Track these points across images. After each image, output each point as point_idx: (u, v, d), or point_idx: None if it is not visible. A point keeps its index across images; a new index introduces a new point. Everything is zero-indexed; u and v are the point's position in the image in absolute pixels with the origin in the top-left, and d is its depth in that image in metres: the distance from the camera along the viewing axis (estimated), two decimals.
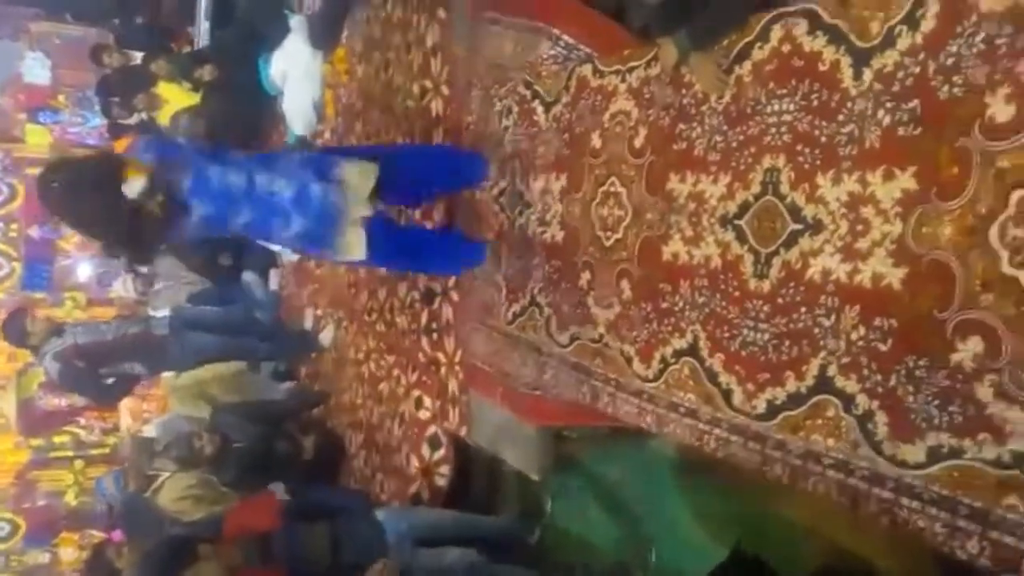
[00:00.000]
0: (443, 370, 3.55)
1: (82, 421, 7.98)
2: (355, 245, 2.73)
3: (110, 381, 4.66)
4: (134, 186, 2.43)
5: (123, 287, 7.08)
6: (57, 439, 7.88)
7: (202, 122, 5.23)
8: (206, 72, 5.49)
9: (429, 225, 3.62)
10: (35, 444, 7.77)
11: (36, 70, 8.01)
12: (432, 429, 3.67)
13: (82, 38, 8.14)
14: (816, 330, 1.80)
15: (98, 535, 6.54)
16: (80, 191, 2.47)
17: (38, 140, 7.75)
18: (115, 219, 2.50)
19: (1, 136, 7.67)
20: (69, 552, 7.77)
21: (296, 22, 4.88)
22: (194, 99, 5.59)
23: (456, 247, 3.26)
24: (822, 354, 1.79)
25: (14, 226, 7.62)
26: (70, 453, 7.91)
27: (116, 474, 4.78)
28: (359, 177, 2.74)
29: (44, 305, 7.70)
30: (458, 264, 3.27)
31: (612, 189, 2.48)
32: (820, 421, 1.81)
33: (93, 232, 2.95)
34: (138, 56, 6.44)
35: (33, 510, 7.81)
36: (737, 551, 2.14)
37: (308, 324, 5.37)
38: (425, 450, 3.71)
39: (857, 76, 1.72)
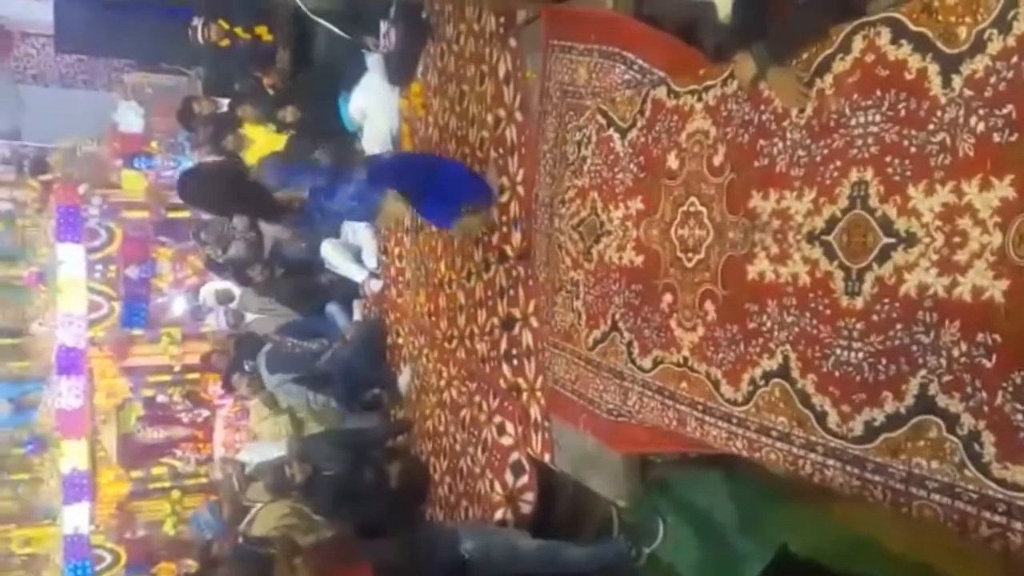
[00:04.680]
0: (524, 396, 3.56)
1: (178, 453, 8.29)
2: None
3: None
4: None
5: (216, 321, 7.36)
6: (155, 471, 8.20)
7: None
8: (288, 114, 5.69)
9: None
10: (135, 476, 8.09)
11: (130, 118, 8.45)
12: (515, 455, 3.67)
13: (172, 86, 8.58)
14: (914, 347, 1.73)
15: (194, 565, 6.75)
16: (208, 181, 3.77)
17: (134, 185, 8.13)
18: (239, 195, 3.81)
19: (99, 183, 8.08)
20: None
21: (373, 60, 5.04)
22: (279, 139, 5.79)
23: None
24: (922, 372, 1.72)
25: (112, 267, 8.00)
26: (167, 484, 8.21)
27: (211, 504, 4.93)
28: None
29: (142, 341, 8.07)
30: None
31: (692, 209, 2.45)
32: (922, 443, 1.73)
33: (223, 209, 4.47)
34: (224, 103, 6.73)
35: (133, 540, 8.11)
36: (783, 554, 2.06)
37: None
38: (508, 477, 3.71)
39: (946, 83, 1.66)
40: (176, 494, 8.19)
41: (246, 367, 5.61)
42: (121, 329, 8.01)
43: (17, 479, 8.19)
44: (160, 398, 8.26)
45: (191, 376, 8.23)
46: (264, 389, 5.58)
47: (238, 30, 6.16)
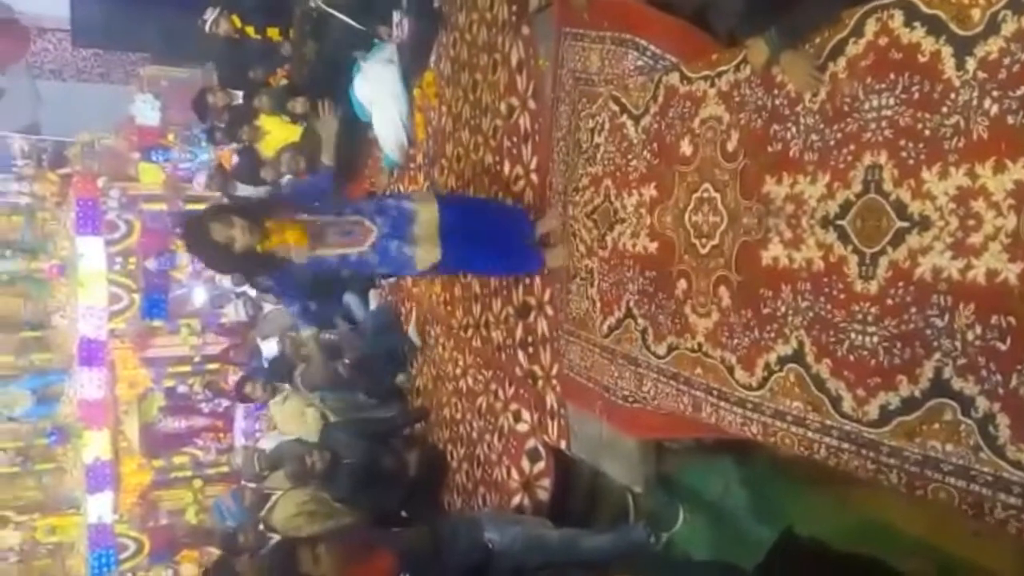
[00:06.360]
0: (540, 383, 3.57)
1: (199, 442, 8.39)
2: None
3: None
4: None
5: (234, 311, 7.43)
6: (177, 460, 8.31)
7: (302, 158, 5.45)
8: (299, 104, 5.70)
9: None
10: (157, 465, 8.20)
11: (146, 111, 8.51)
12: (531, 442, 3.69)
13: (188, 79, 8.63)
14: (929, 331, 1.73)
15: (216, 552, 6.85)
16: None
17: (151, 178, 8.20)
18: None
19: (117, 175, 8.15)
20: (189, 568, 8.15)
21: (379, 49, 5.06)
22: (294, 130, 5.81)
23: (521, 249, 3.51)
24: (936, 356, 1.72)
25: (132, 260, 8.08)
26: (189, 473, 8.32)
27: (233, 492, 5.00)
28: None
29: (163, 332, 8.16)
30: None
31: (706, 195, 2.45)
32: (937, 426, 1.73)
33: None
34: (239, 95, 6.77)
35: (156, 529, 8.23)
36: (788, 535, 2.06)
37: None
38: (525, 463, 3.73)
39: (960, 66, 1.66)
40: (198, 483, 8.31)
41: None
42: (141, 320, 8.10)
43: (41, 469, 8.32)
44: (181, 388, 8.37)
45: (211, 366, 8.32)
46: (279, 394, 5.65)
47: (249, 30, 6.19)
